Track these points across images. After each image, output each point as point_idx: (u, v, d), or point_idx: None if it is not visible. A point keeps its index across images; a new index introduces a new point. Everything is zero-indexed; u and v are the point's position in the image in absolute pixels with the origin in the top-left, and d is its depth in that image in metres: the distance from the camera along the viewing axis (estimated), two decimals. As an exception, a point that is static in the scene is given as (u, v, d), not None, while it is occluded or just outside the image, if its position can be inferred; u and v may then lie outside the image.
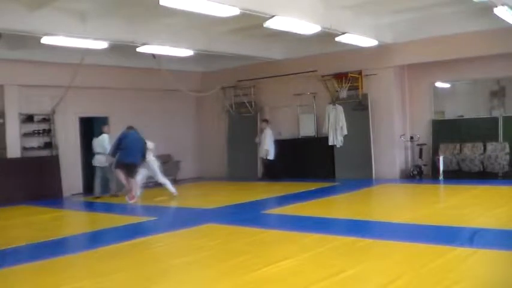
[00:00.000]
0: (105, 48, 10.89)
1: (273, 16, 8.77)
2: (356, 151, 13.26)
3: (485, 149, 12.18)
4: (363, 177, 12.91)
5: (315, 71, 13.68)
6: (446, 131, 12.91)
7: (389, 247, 5.89)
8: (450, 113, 13.49)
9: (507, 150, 11.84)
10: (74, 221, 9.96)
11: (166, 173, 15.29)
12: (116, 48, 11.39)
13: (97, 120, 13.75)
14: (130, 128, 11.59)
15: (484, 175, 11.78)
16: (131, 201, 10.98)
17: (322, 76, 13.72)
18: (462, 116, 13.18)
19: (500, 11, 8.80)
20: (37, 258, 5.99)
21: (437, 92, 13.41)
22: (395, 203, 10.06)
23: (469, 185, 10.87)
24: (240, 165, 15.65)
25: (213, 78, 16.05)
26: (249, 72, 15.07)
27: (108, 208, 11.04)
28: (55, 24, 9.35)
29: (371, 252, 5.73)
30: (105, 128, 12.48)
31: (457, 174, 12.11)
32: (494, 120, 12.30)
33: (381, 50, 12.51)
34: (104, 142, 12.03)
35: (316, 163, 14.03)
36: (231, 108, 15.81)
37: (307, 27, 9.74)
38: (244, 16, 8.68)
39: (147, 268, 5.43)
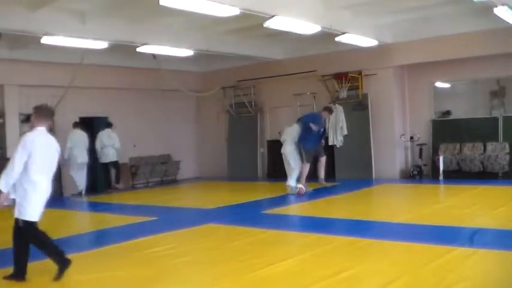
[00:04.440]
0: (105, 48, 10.89)
1: (273, 16, 8.77)
2: (356, 151, 13.26)
3: (485, 149, 12.18)
4: (363, 177, 12.90)
5: (315, 71, 13.68)
6: (446, 131, 12.91)
7: (389, 247, 5.89)
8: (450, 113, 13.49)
9: (507, 150, 11.83)
10: (74, 221, 9.95)
11: (166, 173, 15.42)
12: (116, 48, 11.38)
13: (97, 120, 13.74)
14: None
15: (484, 175, 11.77)
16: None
17: (322, 76, 13.72)
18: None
19: (500, 11, 8.81)
20: (37, 258, 5.98)
21: (438, 92, 13.40)
22: (395, 203, 10.06)
23: (469, 185, 10.86)
24: (240, 165, 15.65)
25: (213, 78, 16.05)
26: (249, 72, 15.06)
27: (109, 208, 11.05)
28: (55, 24, 9.35)
29: (371, 252, 5.73)
30: None
31: (457, 174, 12.10)
32: (494, 120, 12.29)
33: (380, 50, 12.50)
34: None
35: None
36: (231, 108, 15.80)
37: (307, 27, 9.74)
38: (244, 16, 8.68)
39: (147, 268, 5.43)
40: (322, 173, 11.64)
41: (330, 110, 11.74)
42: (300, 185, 10.75)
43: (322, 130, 11.40)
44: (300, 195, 10.51)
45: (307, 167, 11.09)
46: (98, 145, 13.18)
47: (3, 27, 9.01)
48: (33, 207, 5.04)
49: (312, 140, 11.05)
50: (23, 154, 4.88)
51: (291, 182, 10.93)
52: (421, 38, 12.10)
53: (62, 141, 12.98)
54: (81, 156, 12.55)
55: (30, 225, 5.06)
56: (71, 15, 9.55)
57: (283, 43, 13.61)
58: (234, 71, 15.44)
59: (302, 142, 10.98)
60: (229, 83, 15.58)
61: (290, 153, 11.03)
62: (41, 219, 5.20)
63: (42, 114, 5.17)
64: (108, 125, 13.45)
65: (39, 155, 4.97)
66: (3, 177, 4.90)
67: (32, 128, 5.17)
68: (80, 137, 12.65)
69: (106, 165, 13.52)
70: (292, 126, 11.44)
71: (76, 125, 12.86)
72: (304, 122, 11.12)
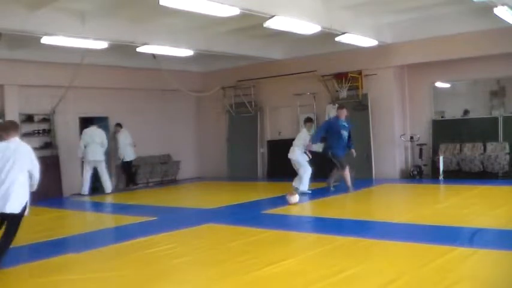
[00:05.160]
0: (105, 48, 10.89)
1: (273, 16, 8.77)
2: (356, 151, 13.20)
3: (485, 149, 12.17)
4: (363, 177, 12.90)
5: (315, 71, 13.68)
6: (446, 131, 12.90)
7: (389, 247, 5.89)
8: (450, 113, 13.47)
9: (507, 150, 11.83)
10: (74, 221, 9.94)
11: (166, 173, 15.42)
12: (116, 48, 11.39)
13: (97, 120, 13.74)
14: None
15: (484, 175, 11.77)
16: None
17: (322, 76, 13.72)
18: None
19: (500, 11, 8.81)
20: (37, 258, 6.00)
21: (438, 92, 13.39)
22: (396, 203, 10.05)
23: (469, 185, 10.86)
24: (240, 165, 15.66)
25: (213, 78, 16.05)
26: (249, 72, 15.06)
27: (109, 208, 11.06)
28: (55, 24, 9.35)
29: (371, 252, 5.73)
30: None
31: (457, 174, 12.10)
32: (494, 120, 12.30)
33: (380, 50, 12.51)
34: None
35: (316, 163, 14.00)
36: (231, 108, 15.80)
37: (307, 27, 9.74)
38: (244, 16, 8.69)
39: (147, 268, 5.43)
40: (333, 177, 11.15)
41: (342, 107, 11.16)
42: (294, 194, 9.76)
43: (347, 133, 10.78)
44: (289, 203, 9.46)
45: (347, 172, 10.69)
46: (121, 144, 13.69)
47: (3, 27, 9.01)
48: None
49: (341, 147, 10.67)
50: None
51: (302, 187, 10.69)
52: (421, 38, 12.09)
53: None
54: (92, 154, 12.66)
55: None
56: (71, 15, 9.55)
57: (283, 43, 13.62)
58: (234, 71, 15.45)
59: (332, 150, 10.63)
60: (229, 83, 15.58)
61: (297, 158, 10.81)
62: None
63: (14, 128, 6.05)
64: (119, 125, 13.85)
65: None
66: None
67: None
68: (92, 134, 12.76)
69: (128, 164, 13.96)
70: (301, 131, 11.24)
71: (90, 122, 13.02)
72: (327, 129, 10.77)
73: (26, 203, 5.71)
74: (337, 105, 12.97)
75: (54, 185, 12.61)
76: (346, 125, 10.79)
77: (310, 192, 10.69)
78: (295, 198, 9.55)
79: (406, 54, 12.60)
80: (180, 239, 6.99)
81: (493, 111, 12.78)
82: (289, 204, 9.42)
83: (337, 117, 10.92)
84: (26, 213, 5.72)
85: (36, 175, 5.89)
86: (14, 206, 5.59)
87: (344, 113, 10.83)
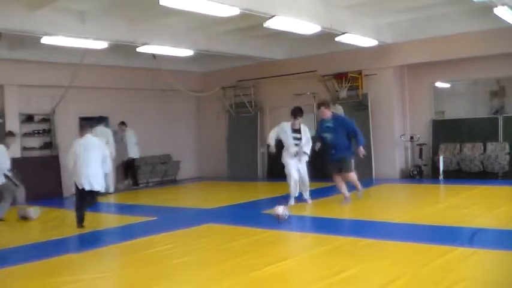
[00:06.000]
0: (105, 48, 10.89)
1: (273, 16, 8.78)
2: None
3: (485, 149, 12.17)
4: (363, 177, 12.85)
5: (315, 71, 13.68)
6: (446, 131, 12.90)
7: (389, 247, 5.89)
8: (450, 113, 13.48)
9: (507, 150, 11.83)
10: (74, 221, 9.93)
11: (166, 173, 15.42)
12: (116, 48, 11.40)
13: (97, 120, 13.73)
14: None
15: (484, 175, 11.76)
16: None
17: (322, 76, 13.72)
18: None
19: (500, 11, 8.81)
20: (37, 258, 6.00)
21: (437, 92, 13.39)
22: (396, 203, 10.05)
23: (469, 185, 10.86)
24: (240, 165, 15.66)
25: (213, 78, 16.06)
26: (249, 72, 15.07)
27: (109, 208, 11.05)
28: (55, 24, 9.35)
29: (371, 252, 5.73)
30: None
31: (457, 174, 12.09)
32: (494, 120, 12.29)
33: (380, 50, 12.50)
34: None
35: (316, 163, 13.99)
36: (231, 108, 15.81)
37: (307, 27, 9.74)
38: (244, 16, 8.69)
39: (147, 268, 5.43)
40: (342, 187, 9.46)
41: (319, 105, 9.54)
42: (281, 209, 7.81)
43: (331, 135, 9.18)
44: (279, 221, 7.67)
45: (336, 180, 9.42)
46: (129, 143, 13.96)
47: (3, 27, 9.01)
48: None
49: (327, 152, 9.32)
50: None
51: (306, 195, 9.75)
52: (421, 38, 12.09)
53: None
54: None
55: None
56: (71, 15, 9.55)
57: (283, 43, 13.62)
58: (234, 71, 15.45)
59: (325, 156, 9.56)
60: (229, 83, 15.58)
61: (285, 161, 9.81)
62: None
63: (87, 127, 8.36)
64: (124, 123, 13.97)
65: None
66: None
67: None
68: (99, 134, 12.65)
69: (133, 162, 14.16)
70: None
71: (98, 121, 12.99)
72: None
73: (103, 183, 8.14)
74: (337, 105, 12.97)
75: (54, 185, 12.62)
76: (331, 126, 9.16)
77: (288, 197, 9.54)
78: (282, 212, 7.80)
79: (406, 54, 12.61)
80: (180, 239, 6.99)
81: (493, 111, 12.77)
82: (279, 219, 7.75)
83: (322, 119, 9.45)
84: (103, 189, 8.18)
85: (108, 162, 8.10)
86: (99, 186, 7.96)
87: (323, 112, 9.20)
